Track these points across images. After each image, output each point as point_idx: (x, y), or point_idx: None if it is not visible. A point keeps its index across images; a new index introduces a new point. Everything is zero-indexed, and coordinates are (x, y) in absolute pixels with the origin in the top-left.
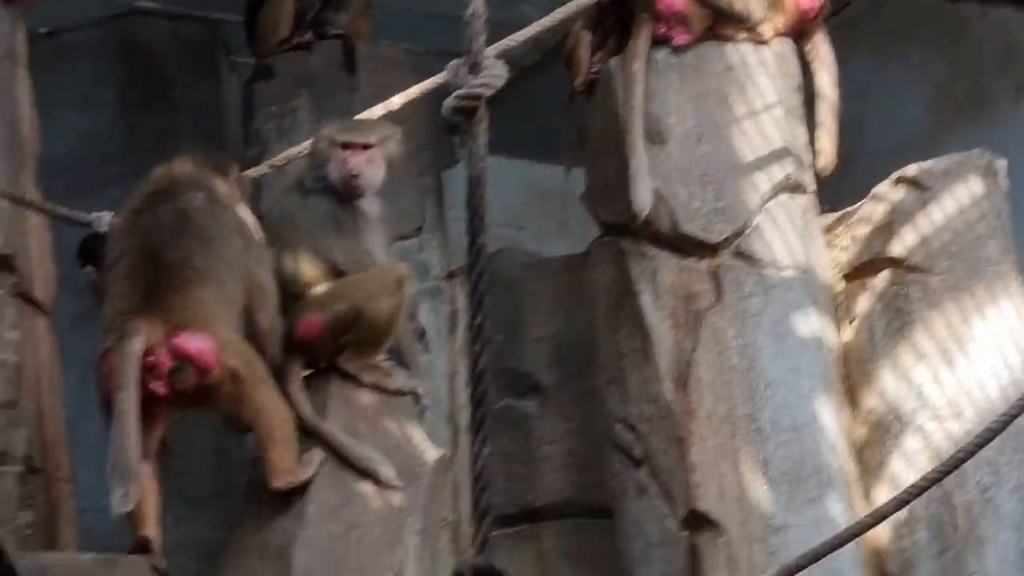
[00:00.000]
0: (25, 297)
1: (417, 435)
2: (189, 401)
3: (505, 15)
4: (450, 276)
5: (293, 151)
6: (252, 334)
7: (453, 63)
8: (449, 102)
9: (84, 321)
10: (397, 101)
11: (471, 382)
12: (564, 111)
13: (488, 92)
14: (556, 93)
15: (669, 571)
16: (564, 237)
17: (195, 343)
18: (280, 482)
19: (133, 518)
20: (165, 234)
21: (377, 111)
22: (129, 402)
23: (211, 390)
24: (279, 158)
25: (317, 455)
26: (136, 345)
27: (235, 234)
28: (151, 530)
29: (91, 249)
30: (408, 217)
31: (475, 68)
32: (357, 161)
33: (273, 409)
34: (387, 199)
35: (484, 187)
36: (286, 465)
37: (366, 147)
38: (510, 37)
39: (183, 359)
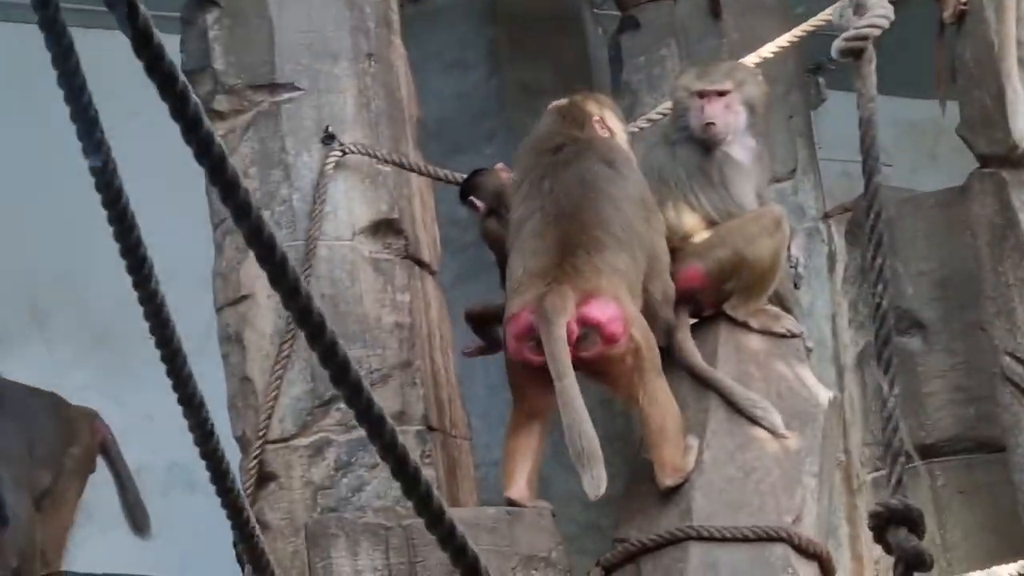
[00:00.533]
0: (414, 259)
1: (809, 377)
2: (589, 369)
3: None
4: (826, 217)
5: (664, 106)
6: (646, 302)
7: (838, 5)
8: (838, 44)
9: (465, 278)
10: (768, 50)
11: (876, 322)
12: (935, 44)
13: (876, 32)
14: (918, 26)
15: None
16: (934, 171)
17: (605, 311)
18: (671, 480)
19: (508, 472)
20: (577, 194)
21: (750, 60)
22: (572, 388)
23: (612, 361)
24: (653, 113)
25: (692, 440)
26: (562, 329)
27: (641, 203)
28: (519, 491)
29: (474, 185)
30: (781, 160)
31: (860, 9)
32: (712, 109)
33: (666, 402)
34: (761, 141)
35: (876, 128)
36: (676, 462)
37: (721, 94)
38: None
39: (591, 326)
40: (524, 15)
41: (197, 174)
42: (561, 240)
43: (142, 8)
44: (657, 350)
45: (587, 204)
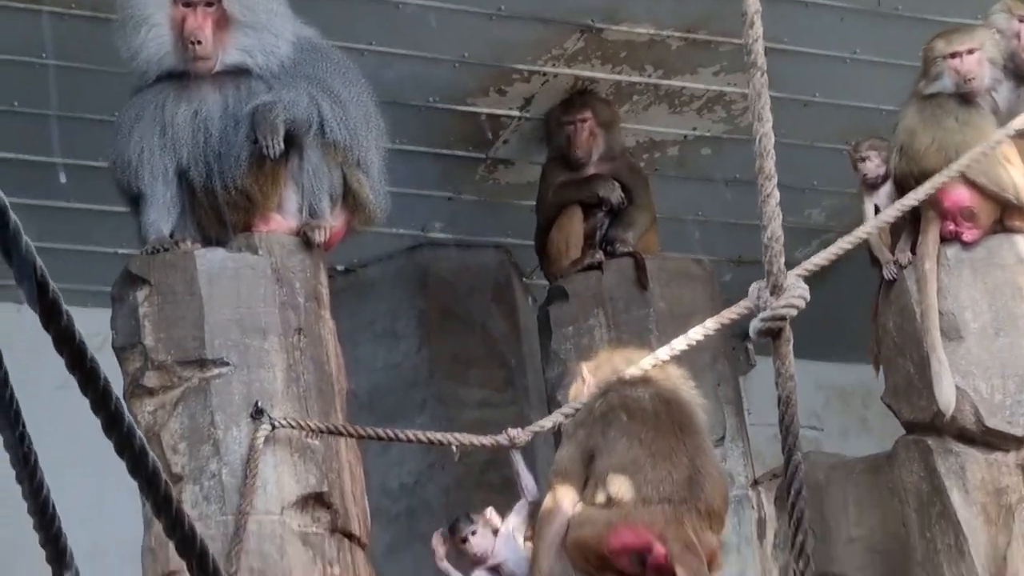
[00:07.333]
0: (343, 532)
1: None
2: None
3: (792, 219)
4: (755, 483)
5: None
6: None
7: (755, 286)
8: (755, 325)
9: (397, 549)
10: (696, 334)
11: None
12: (871, 314)
13: (792, 313)
14: (846, 293)
15: None
16: (864, 434)
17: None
18: None
19: None
20: (673, 423)
21: (679, 345)
22: None
23: None
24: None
25: None
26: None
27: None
28: None
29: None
30: (710, 427)
31: (777, 290)
32: None
33: None
34: None
35: (795, 407)
36: None
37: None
38: (812, 259)
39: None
40: (454, 285)
41: None
42: (673, 471)
43: (52, 285)
44: None
45: (688, 443)
